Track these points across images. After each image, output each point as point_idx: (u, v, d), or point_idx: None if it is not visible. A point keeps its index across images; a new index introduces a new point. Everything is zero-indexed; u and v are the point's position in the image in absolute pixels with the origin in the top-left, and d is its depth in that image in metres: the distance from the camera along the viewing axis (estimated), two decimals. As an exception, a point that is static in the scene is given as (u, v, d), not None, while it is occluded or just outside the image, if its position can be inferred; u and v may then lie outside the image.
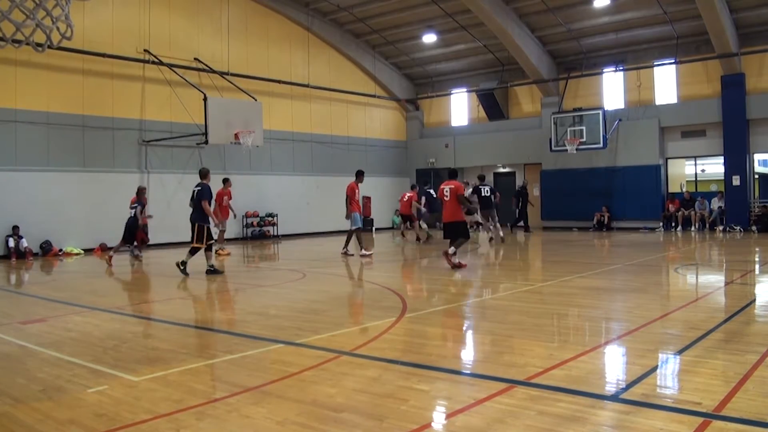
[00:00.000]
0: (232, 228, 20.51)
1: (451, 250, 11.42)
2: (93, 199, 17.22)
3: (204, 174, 11.87)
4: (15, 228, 15.65)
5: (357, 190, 14.46)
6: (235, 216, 17.18)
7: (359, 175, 14.88)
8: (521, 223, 22.05)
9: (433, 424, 3.85)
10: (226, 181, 16.34)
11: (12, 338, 6.42)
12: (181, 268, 11.39)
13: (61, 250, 16.44)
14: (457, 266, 11.31)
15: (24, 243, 15.67)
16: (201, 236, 11.38)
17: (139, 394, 4.42)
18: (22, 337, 6.43)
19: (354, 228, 14.36)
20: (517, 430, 3.58)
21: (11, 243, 15.52)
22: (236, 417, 3.92)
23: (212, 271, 11.48)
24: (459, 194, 11.35)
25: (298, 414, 3.93)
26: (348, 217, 14.45)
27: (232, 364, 5.29)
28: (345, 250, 14.47)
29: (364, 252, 14.26)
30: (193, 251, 11.56)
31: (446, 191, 11.53)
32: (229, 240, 19.70)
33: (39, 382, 4.80)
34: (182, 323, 7.26)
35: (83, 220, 17.05)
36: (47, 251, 16.15)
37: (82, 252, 16.73)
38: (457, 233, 11.51)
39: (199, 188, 11.54)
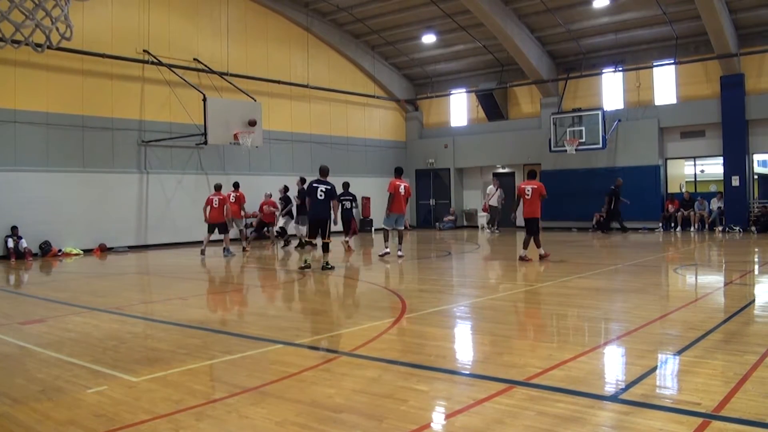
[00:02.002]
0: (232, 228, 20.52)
1: (541, 250, 12.66)
2: (92, 200, 17.21)
3: (327, 172, 12.15)
4: (14, 228, 15.64)
5: None
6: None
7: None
8: (614, 224, 21.20)
9: (432, 424, 3.85)
10: (237, 185, 17.00)
11: (11, 339, 6.42)
12: (328, 267, 11.65)
13: (60, 251, 16.42)
14: (543, 257, 12.58)
15: (23, 243, 15.65)
16: (329, 232, 11.87)
17: (138, 395, 4.41)
18: (22, 338, 6.43)
19: (402, 228, 14.24)
20: (516, 431, 3.58)
21: (10, 243, 15.51)
22: (235, 417, 3.92)
23: (328, 267, 11.68)
24: (542, 195, 12.54)
25: (298, 414, 3.93)
26: (402, 216, 14.22)
27: (232, 364, 5.29)
28: (399, 251, 14.11)
29: (386, 252, 14.10)
30: (326, 247, 11.86)
31: (528, 190, 12.60)
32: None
33: (38, 382, 4.80)
34: (181, 323, 7.25)
35: (83, 220, 17.04)
36: (46, 252, 16.13)
37: (82, 252, 16.72)
38: (535, 229, 12.64)
39: (329, 187, 11.85)
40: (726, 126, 19.94)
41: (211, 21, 20.31)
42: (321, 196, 11.71)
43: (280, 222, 18.22)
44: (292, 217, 17.96)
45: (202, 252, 15.33)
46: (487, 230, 22.56)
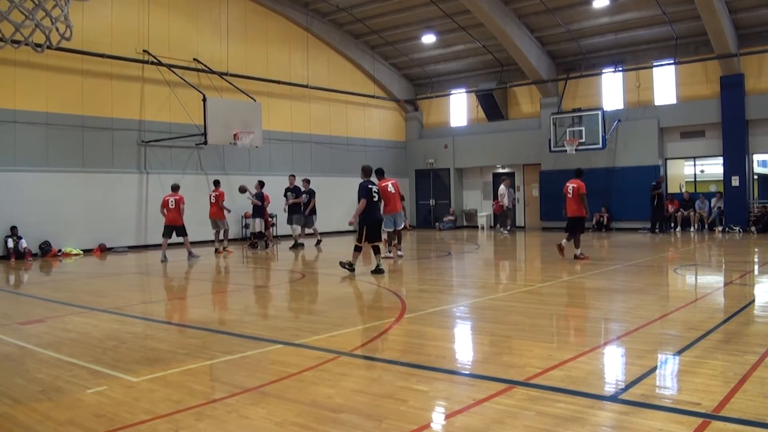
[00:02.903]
0: (231, 228, 20.48)
1: (564, 242, 12.75)
2: (92, 200, 17.21)
3: (371, 171, 11.63)
4: (14, 228, 15.64)
5: None
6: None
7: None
8: (657, 225, 20.36)
9: (432, 424, 3.85)
10: (218, 183, 16.74)
11: (11, 339, 6.42)
12: (374, 270, 11.06)
13: (60, 251, 16.42)
14: (581, 258, 12.48)
15: (23, 243, 15.65)
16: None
17: (138, 395, 4.41)
18: (21, 338, 6.42)
19: (401, 228, 14.05)
20: (516, 431, 3.58)
21: (10, 244, 15.51)
22: (235, 417, 3.92)
23: (377, 269, 11.17)
24: (581, 193, 12.58)
25: (297, 415, 3.93)
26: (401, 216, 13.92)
27: (231, 364, 5.29)
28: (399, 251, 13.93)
29: (389, 256, 13.66)
30: (378, 249, 11.30)
31: (569, 189, 12.73)
32: (228, 240, 19.71)
33: (38, 382, 4.80)
34: (181, 324, 7.26)
35: (82, 220, 17.04)
36: (46, 252, 16.13)
37: (81, 252, 16.72)
38: (576, 227, 12.74)
39: (378, 186, 11.48)
40: (726, 126, 19.94)
41: (211, 21, 20.31)
42: (375, 197, 11.15)
43: (257, 225, 17.30)
44: (261, 217, 17.31)
45: (163, 258, 14.39)
46: (500, 231, 22.43)
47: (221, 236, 16.54)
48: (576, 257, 12.58)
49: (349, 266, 11.09)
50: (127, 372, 5.00)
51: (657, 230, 20.32)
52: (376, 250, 11.21)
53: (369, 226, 11.06)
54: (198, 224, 16.83)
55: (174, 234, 14.82)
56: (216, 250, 16.37)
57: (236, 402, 4.21)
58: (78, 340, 6.29)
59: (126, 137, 18.11)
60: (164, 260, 14.36)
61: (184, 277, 12.45)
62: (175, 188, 15.15)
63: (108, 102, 17.76)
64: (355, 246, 11.20)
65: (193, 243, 16.47)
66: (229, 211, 16.56)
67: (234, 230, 20.57)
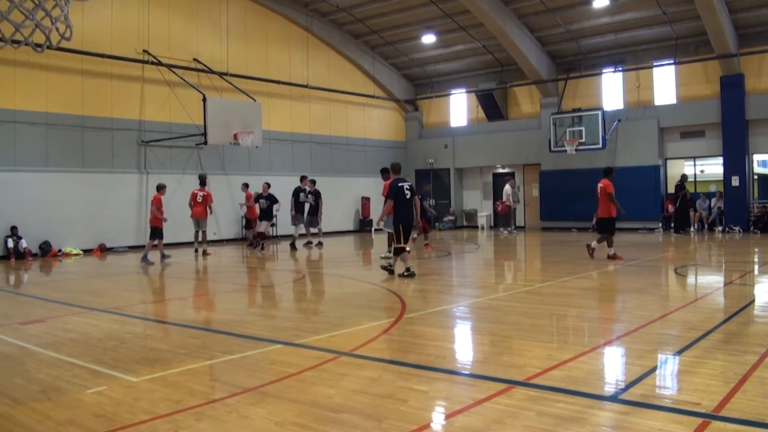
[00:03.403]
0: (231, 228, 20.53)
1: (594, 243, 12.82)
2: (92, 200, 17.21)
3: (400, 169, 11.22)
4: (14, 228, 15.64)
5: None
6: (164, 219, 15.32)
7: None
8: (682, 225, 20.06)
9: (432, 424, 3.85)
10: (204, 182, 16.34)
11: (11, 339, 6.42)
12: (407, 273, 10.52)
13: (60, 251, 16.42)
14: (613, 258, 12.46)
15: (23, 243, 15.65)
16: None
17: (138, 395, 4.42)
18: (21, 338, 6.42)
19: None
20: (516, 431, 3.58)
21: (10, 244, 15.51)
22: (235, 417, 3.92)
23: (387, 269, 10.89)
24: (607, 193, 12.74)
25: (297, 415, 3.93)
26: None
27: (232, 364, 5.29)
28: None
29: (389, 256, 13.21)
30: (401, 251, 10.77)
31: (598, 189, 13.03)
32: (227, 241, 19.74)
33: (38, 382, 4.80)
34: (181, 324, 7.26)
35: (82, 220, 17.04)
36: (46, 252, 16.13)
37: (81, 252, 16.72)
38: (603, 228, 12.93)
39: (411, 184, 10.95)
40: (726, 126, 19.93)
41: (211, 21, 20.31)
42: (408, 194, 10.76)
43: (262, 226, 17.04)
44: (270, 220, 17.11)
45: (162, 258, 14.44)
46: (501, 231, 22.36)
47: (200, 237, 16.02)
48: (609, 257, 12.53)
49: (407, 272, 10.54)
50: (127, 372, 5.00)
51: (680, 231, 20.13)
52: (398, 252, 10.71)
53: (405, 226, 10.73)
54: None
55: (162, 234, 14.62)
56: (196, 251, 16.01)
57: (236, 402, 4.21)
58: (78, 340, 6.29)
59: (126, 137, 18.11)
60: (164, 259, 14.42)
61: (184, 277, 12.45)
62: (158, 188, 14.75)
63: (108, 102, 17.75)
64: (396, 250, 10.75)
65: (192, 243, 16.47)
66: (211, 212, 16.17)
67: (233, 230, 20.60)
